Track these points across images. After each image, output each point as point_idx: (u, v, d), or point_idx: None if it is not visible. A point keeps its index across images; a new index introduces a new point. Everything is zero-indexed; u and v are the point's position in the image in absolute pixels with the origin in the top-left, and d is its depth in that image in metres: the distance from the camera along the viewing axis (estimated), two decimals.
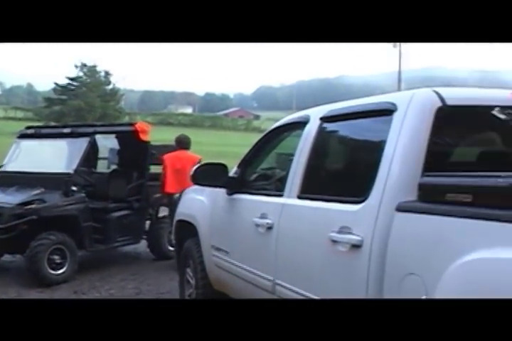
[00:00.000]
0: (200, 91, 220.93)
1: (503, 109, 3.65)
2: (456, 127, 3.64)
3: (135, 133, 9.51)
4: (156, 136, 12.33)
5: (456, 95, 3.61)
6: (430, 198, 3.02)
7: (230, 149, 29.02)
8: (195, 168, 5.48)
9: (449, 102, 3.42)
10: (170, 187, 9.20)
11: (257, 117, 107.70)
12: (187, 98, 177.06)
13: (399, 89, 45.24)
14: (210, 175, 5.36)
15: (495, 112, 3.65)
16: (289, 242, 4.16)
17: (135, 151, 9.84)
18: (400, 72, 54.79)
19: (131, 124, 9.93)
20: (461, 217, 2.76)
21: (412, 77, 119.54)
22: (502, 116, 3.70)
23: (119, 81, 74.27)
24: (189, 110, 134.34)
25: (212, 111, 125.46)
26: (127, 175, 9.76)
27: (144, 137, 9.55)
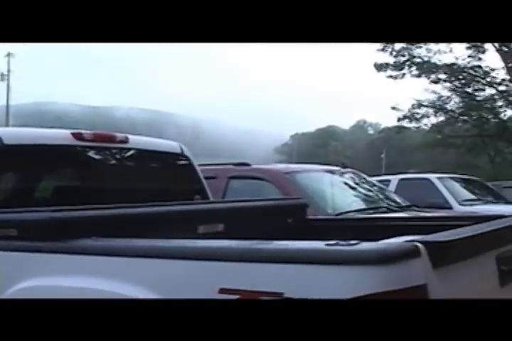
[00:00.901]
0: None
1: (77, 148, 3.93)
2: (18, 165, 3.82)
3: None
4: None
5: (15, 135, 3.80)
6: None
7: None
8: None
9: (7, 142, 3.59)
10: None
11: None
12: None
13: (7, 124, 44.17)
14: None
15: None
16: None
17: None
18: (8, 106, 53.65)
19: None
20: (8, 250, 2.95)
21: (22, 112, 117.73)
22: (66, 154, 3.98)
23: None
24: None
25: None
26: None
27: None
